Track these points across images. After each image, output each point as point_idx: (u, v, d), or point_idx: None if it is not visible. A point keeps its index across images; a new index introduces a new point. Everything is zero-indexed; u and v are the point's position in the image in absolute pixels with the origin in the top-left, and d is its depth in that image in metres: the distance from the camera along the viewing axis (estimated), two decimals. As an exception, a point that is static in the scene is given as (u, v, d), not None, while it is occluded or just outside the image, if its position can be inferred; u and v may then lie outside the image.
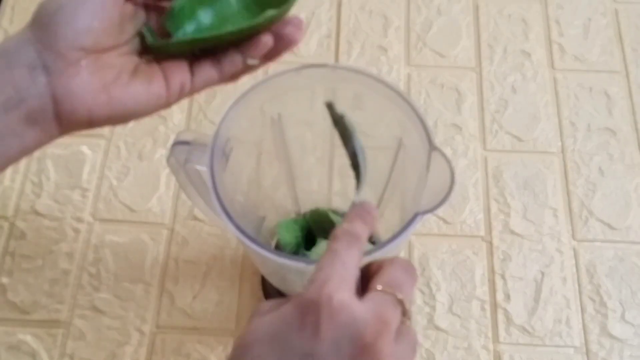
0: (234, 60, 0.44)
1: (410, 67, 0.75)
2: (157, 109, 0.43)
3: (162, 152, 0.69)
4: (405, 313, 0.34)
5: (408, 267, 0.36)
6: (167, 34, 0.44)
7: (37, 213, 0.66)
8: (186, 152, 0.49)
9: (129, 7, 0.43)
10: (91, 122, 0.41)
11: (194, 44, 0.44)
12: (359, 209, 0.39)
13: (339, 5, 0.79)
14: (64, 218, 0.66)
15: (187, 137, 0.49)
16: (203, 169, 0.48)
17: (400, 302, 0.34)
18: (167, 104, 0.44)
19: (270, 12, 0.43)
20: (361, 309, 0.32)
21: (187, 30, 0.44)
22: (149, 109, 0.43)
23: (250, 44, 0.44)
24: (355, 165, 0.45)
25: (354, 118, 0.56)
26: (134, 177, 0.68)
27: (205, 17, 0.45)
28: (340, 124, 0.46)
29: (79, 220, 0.66)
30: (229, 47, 0.44)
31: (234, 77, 0.45)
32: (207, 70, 0.44)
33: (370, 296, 0.34)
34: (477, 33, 0.77)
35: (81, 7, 0.40)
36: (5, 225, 0.65)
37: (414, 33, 0.77)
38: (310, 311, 0.32)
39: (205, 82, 0.45)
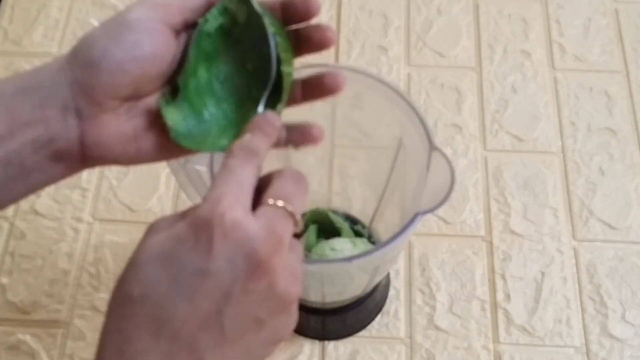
0: (278, 140, 0.41)
1: (410, 67, 0.75)
2: (181, 157, 0.43)
3: (162, 152, 0.69)
4: (296, 224, 0.34)
5: (297, 177, 0.36)
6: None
7: (37, 213, 0.66)
8: (186, 152, 0.49)
9: (182, 44, 0.39)
10: (116, 164, 0.40)
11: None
12: (260, 120, 0.37)
13: (339, 5, 0.79)
14: (64, 218, 0.66)
15: (187, 137, 0.49)
16: (203, 169, 0.48)
17: (291, 215, 0.34)
18: (193, 154, 0.42)
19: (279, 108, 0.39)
20: (254, 226, 0.32)
21: (190, 91, 0.39)
22: (174, 158, 0.43)
23: (298, 133, 0.41)
24: (265, 70, 0.38)
25: (354, 118, 0.56)
26: (133, 177, 0.68)
27: (203, 73, 0.40)
28: (255, 15, 0.38)
29: (79, 220, 0.66)
30: None
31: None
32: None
33: (262, 211, 0.33)
34: (477, 33, 0.77)
35: (128, 56, 0.36)
36: (5, 225, 0.65)
37: (414, 33, 0.77)
38: (203, 229, 0.32)
39: None
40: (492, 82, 0.74)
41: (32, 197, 0.66)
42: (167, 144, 0.39)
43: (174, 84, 0.39)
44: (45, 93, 0.36)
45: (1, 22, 0.77)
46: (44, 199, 0.67)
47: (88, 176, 0.68)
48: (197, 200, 0.55)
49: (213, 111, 0.40)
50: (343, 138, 0.59)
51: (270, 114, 0.38)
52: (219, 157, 0.48)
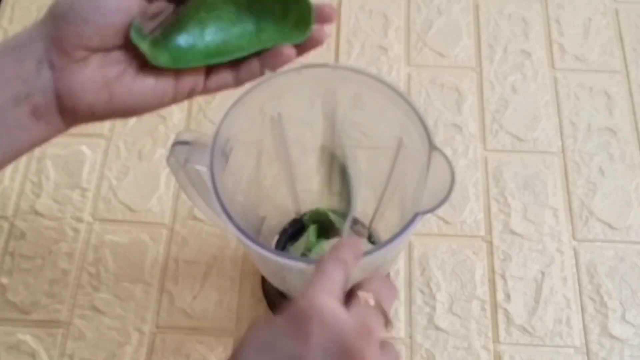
0: (251, 68, 0.43)
1: (410, 67, 0.75)
2: (161, 107, 0.43)
3: (162, 152, 0.69)
4: (387, 323, 0.36)
5: (387, 282, 0.39)
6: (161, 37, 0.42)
7: (36, 213, 0.66)
8: (186, 152, 0.49)
9: (157, 5, 0.41)
10: (93, 117, 0.41)
11: (204, 61, 0.42)
12: (348, 241, 0.41)
13: (339, 5, 0.79)
14: (64, 218, 0.66)
15: (187, 137, 0.49)
16: (203, 169, 0.48)
17: (383, 313, 0.36)
18: (173, 102, 0.43)
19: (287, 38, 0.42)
20: (346, 316, 0.35)
21: (180, 33, 0.42)
22: (153, 106, 0.42)
23: (271, 55, 0.43)
24: (349, 201, 0.47)
25: (354, 118, 0.56)
26: (133, 177, 0.68)
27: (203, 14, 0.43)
28: (339, 168, 0.46)
29: (79, 220, 0.66)
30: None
31: (249, 81, 0.44)
32: (223, 74, 0.43)
33: (355, 307, 0.36)
34: (477, 33, 0.77)
35: (92, 7, 0.39)
36: (5, 225, 0.65)
37: (414, 33, 0.77)
38: (302, 319, 0.34)
39: (220, 86, 0.44)
40: (492, 82, 0.74)
41: (32, 197, 0.66)
42: (141, 89, 0.41)
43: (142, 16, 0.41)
44: (23, 50, 0.39)
45: (1, 22, 0.77)
46: (44, 199, 0.67)
47: (88, 176, 0.68)
48: (197, 200, 0.55)
49: (202, 44, 0.42)
50: (343, 138, 0.59)
51: (359, 241, 0.42)
52: (219, 156, 0.48)
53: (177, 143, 0.49)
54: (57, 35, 0.39)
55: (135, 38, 0.40)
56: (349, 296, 0.37)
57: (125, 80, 0.41)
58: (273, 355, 0.33)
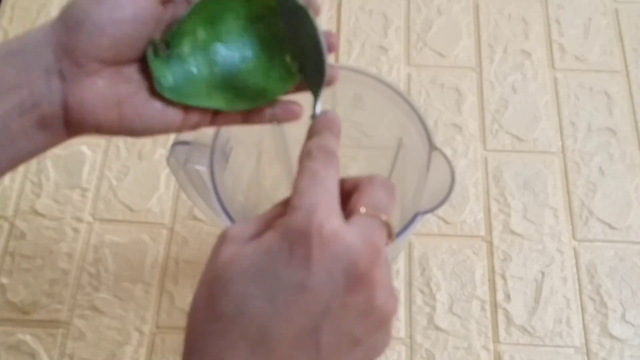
0: (262, 114, 0.41)
1: (410, 67, 0.75)
2: (167, 133, 0.41)
3: (162, 152, 0.69)
4: (390, 235, 0.33)
5: (387, 185, 0.35)
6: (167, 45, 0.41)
7: (36, 213, 0.66)
8: (186, 152, 0.49)
9: (170, 12, 0.40)
10: (98, 132, 0.40)
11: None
12: (325, 120, 0.36)
13: (339, 5, 0.79)
14: (64, 218, 0.66)
15: (187, 137, 0.49)
16: (203, 169, 0.48)
17: (386, 225, 0.33)
18: (179, 131, 0.42)
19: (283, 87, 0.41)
20: (352, 237, 0.31)
21: (184, 49, 0.41)
22: (159, 132, 0.41)
23: (283, 108, 0.41)
24: (317, 64, 0.39)
25: (354, 118, 0.56)
26: (133, 177, 0.68)
27: (202, 34, 0.41)
28: (298, 13, 0.39)
29: (79, 220, 0.66)
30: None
31: (257, 124, 0.42)
32: (232, 115, 0.42)
33: (357, 220, 0.32)
34: (477, 33, 0.77)
35: (109, 17, 0.37)
36: (5, 225, 0.65)
37: (414, 33, 0.77)
38: (299, 242, 0.30)
39: (226, 123, 0.42)
40: (492, 82, 0.74)
41: (32, 197, 0.66)
42: (150, 113, 0.39)
43: (162, 38, 0.40)
44: (30, 56, 0.37)
45: (1, 22, 0.77)
46: (44, 199, 0.67)
47: (88, 176, 0.68)
48: (197, 200, 0.55)
49: (206, 70, 0.41)
50: (343, 138, 0.59)
51: (332, 112, 0.37)
52: (219, 156, 0.48)
53: (177, 143, 0.49)
54: (70, 44, 0.37)
55: (150, 58, 0.39)
56: (340, 192, 0.33)
57: (135, 101, 0.39)
58: (273, 285, 0.30)
